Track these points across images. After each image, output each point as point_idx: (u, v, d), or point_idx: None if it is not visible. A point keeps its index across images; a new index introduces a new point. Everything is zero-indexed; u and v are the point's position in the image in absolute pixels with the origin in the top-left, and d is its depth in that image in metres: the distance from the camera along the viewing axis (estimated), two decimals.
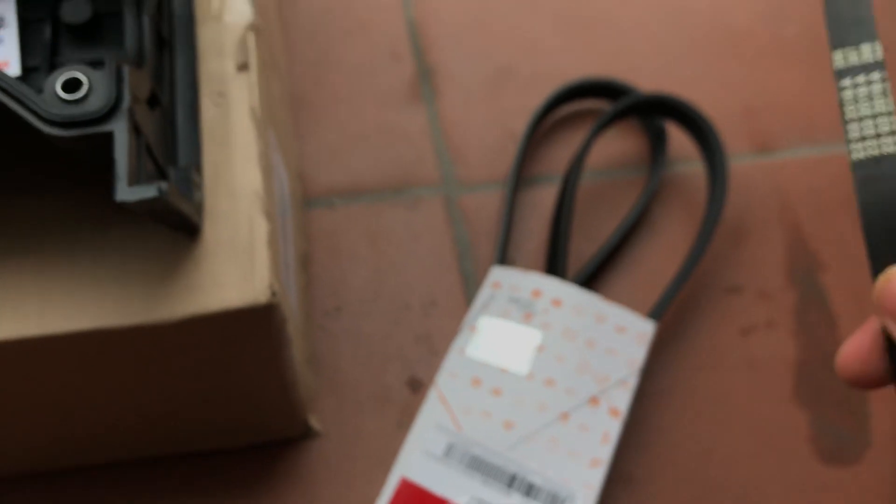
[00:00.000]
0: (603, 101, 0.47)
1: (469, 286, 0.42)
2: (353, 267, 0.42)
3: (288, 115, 0.43)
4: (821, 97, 0.49)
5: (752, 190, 0.46)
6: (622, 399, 0.37)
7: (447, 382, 0.37)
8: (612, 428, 0.36)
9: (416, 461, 0.35)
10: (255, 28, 0.33)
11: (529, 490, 0.35)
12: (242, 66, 0.32)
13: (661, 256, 0.43)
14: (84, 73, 0.24)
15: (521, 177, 0.45)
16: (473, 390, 0.37)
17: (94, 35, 0.30)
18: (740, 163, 0.46)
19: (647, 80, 0.48)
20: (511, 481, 0.35)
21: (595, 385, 0.37)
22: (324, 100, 0.46)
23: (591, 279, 0.41)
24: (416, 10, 0.50)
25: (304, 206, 0.43)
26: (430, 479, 0.35)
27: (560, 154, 0.46)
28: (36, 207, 0.29)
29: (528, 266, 0.42)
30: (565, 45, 0.50)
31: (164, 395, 0.32)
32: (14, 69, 0.29)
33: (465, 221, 0.44)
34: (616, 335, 0.38)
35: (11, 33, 0.29)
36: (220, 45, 0.32)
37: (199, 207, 0.28)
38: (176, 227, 0.28)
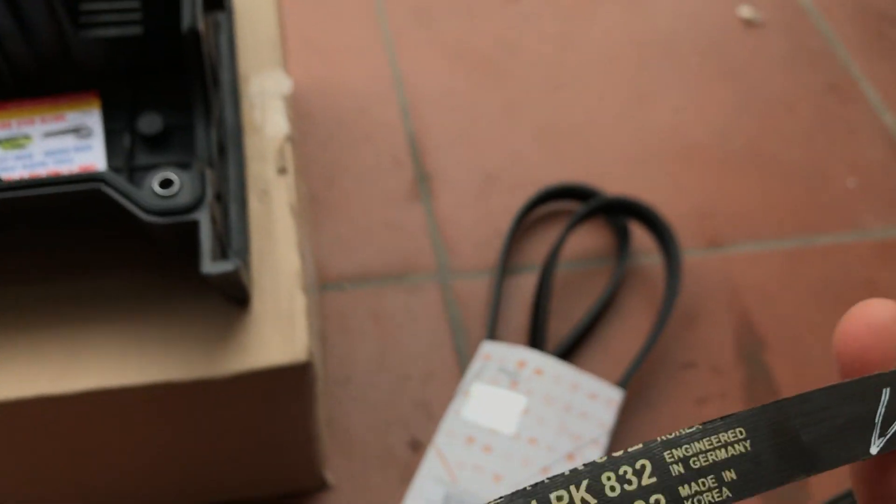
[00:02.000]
0: (575, 202, 0.54)
1: (462, 359, 0.48)
2: (360, 343, 0.48)
3: (308, 212, 0.50)
4: (763, 200, 0.57)
5: (705, 279, 0.53)
6: (594, 455, 0.43)
7: (444, 440, 0.43)
8: None
9: None
10: (290, 139, 0.40)
11: None
12: (282, 170, 0.39)
13: (626, 335, 0.50)
14: (176, 174, 0.30)
15: (507, 266, 0.52)
16: (467, 447, 0.42)
17: (165, 144, 0.37)
18: (694, 256, 0.54)
19: (613, 185, 0.55)
20: None
21: (571, 443, 0.43)
22: (336, 199, 0.54)
23: (568, 353, 0.48)
24: (414, 124, 0.58)
25: (319, 290, 0.50)
26: None
27: (539, 247, 0.53)
28: (117, 283, 0.35)
29: (514, 341, 0.48)
30: (542, 155, 0.58)
31: (205, 446, 0.38)
32: (101, 163, 0.35)
33: (458, 303, 0.50)
34: (589, 401, 0.44)
35: (99, 142, 0.36)
36: (262, 152, 0.39)
37: (249, 284, 0.35)
38: (231, 299, 0.34)
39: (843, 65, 0.65)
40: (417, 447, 0.45)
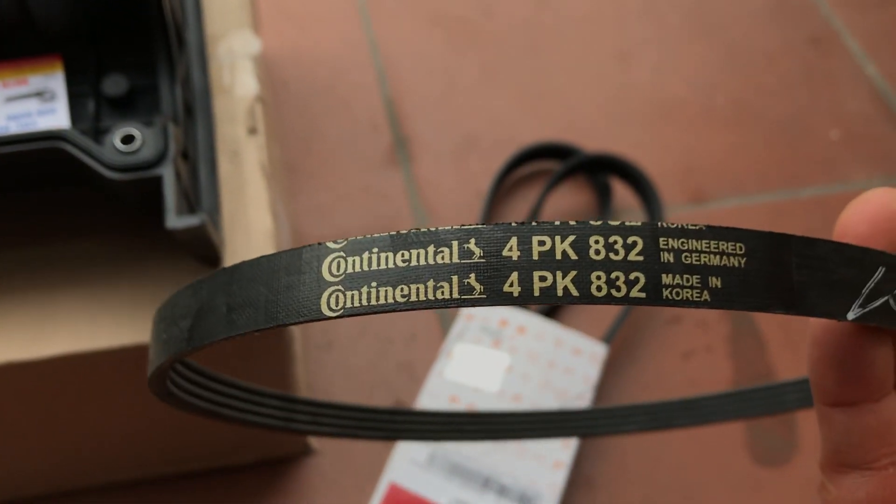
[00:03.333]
0: (556, 161, 0.54)
1: (444, 321, 0.48)
2: None
3: (284, 178, 0.49)
4: (746, 155, 0.56)
5: None
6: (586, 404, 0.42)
7: (428, 401, 0.42)
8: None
9: (402, 468, 0.40)
10: (261, 99, 0.39)
11: (502, 490, 0.40)
12: (252, 130, 0.38)
13: None
14: (138, 129, 0.30)
15: None
16: (451, 407, 0.42)
17: (130, 105, 0.36)
18: (677, 212, 0.53)
19: (594, 144, 0.55)
20: (486, 483, 0.40)
21: (556, 399, 0.42)
22: (313, 166, 0.53)
23: (551, 311, 0.47)
24: (391, 89, 0.57)
25: None
26: (415, 483, 0.40)
27: (520, 207, 0.52)
28: (86, 247, 0.34)
29: None
30: (522, 116, 0.57)
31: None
32: (64, 120, 0.35)
33: None
34: (573, 357, 0.44)
35: (62, 105, 0.36)
36: (232, 113, 0.39)
37: (221, 244, 0.34)
38: (203, 259, 0.34)
39: (824, 17, 0.64)
40: None
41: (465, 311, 0.45)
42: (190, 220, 0.28)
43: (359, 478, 0.43)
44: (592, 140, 0.55)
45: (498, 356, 0.43)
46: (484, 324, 0.45)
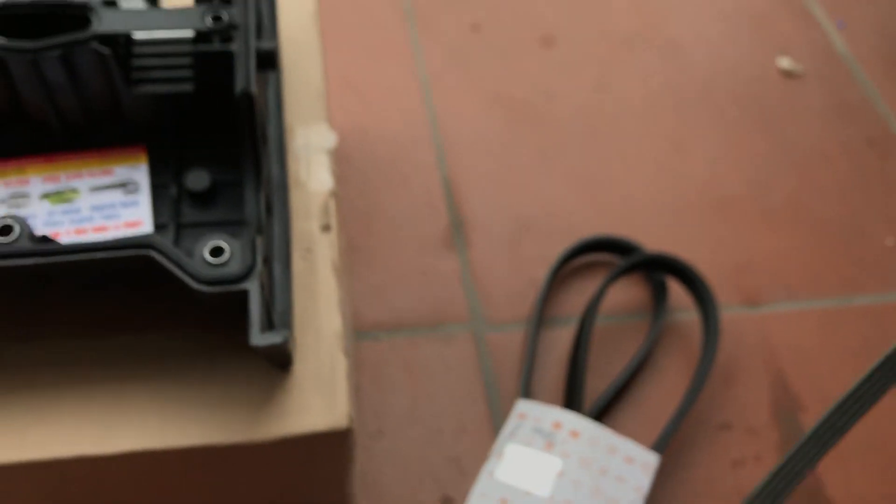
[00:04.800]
0: (611, 255, 0.54)
1: (494, 414, 0.48)
2: (393, 394, 0.48)
3: (347, 258, 0.50)
4: (800, 257, 0.56)
5: (741, 338, 0.52)
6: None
7: (479, 502, 0.42)
8: None
9: None
10: (335, 194, 0.40)
11: None
12: (325, 227, 0.39)
13: (662, 394, 0.49)
14: (227, 242, 0.30)
15: (542, 319, 0.51)
16: None
17: (212, 200, 0.37)
18: (730, 313, 0.53)
19: (649, 237, 0.55)
20: None
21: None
22: (372, 245, 0.53)
23: (603, 413, 0.47)
24: (449, 168, 0.58)
25: (355, 338, 0.50)
26: None
27: (574, 299, 0.53)
28: (159, 340, 0.35)
29: (548, 399, 0.48)
30: (578, 203, 0.57)
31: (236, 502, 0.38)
32: (147, 227, 0.35)
33: (491, 356, 0.50)
34: (625, 465, 0.44)
35: (145, 197, 0.36)
36: (306, 208, 0.39)
37: (293, 348, 0.35)
38: (274, 363, 0.34)
39: (882, 118, 0.64)
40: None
41: (519, 410, 0.45)
42: (273, 339, 0.29)
43: None
44: (647, 232, 0.55)
45: (550, 460, 0.43)
46: (537, 424, 0.45)
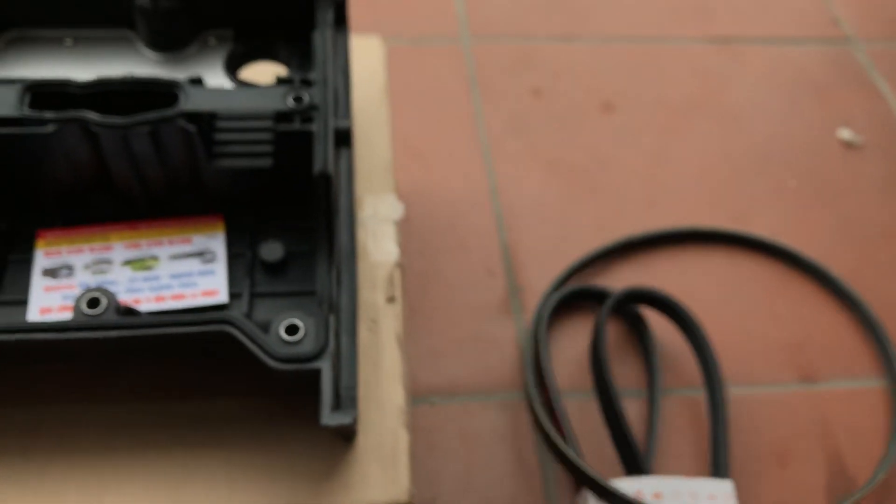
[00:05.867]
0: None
1: (547, 485, 0.48)
2: (446, 462, 0.49)
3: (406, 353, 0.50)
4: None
5: (797, 416, 0.52)
6: None
7: None
8: None
9: None
10: (400, 265, 0.41)
11: None
12: (391, 299, 0.40)
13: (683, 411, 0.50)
14: (301, 321, 0.31)
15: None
16: None
17: (284, 271, 0.38)
18: (785, 390, 0.53)
19: (707, 311, 0.55)
20: None
21: None
22: (429, 309, 0.54)
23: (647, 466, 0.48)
24: (508, 234, 0.59)
25: (410, 403, 0.50)
26: None
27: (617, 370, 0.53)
28: (228, 407, 0.36)
29: (600, 463, 0.48)
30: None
31: None
32: (223, 296, 0.37)
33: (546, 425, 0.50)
34: (712, 502, 0.45)
35: (222, 267, 0.38)
36: (372, 278, 0.40)
37: (357, 421, 0.35)
38: (340, 435, 0.35)
39: None
40: None
41: (587, 497, 0.46)
42: (342, 419, 0.30)
43: None
44: (705, 306, 0.55)
45: None
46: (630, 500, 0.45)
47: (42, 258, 0.37)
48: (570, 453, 0.46)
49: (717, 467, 0.47)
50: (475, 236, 0.58)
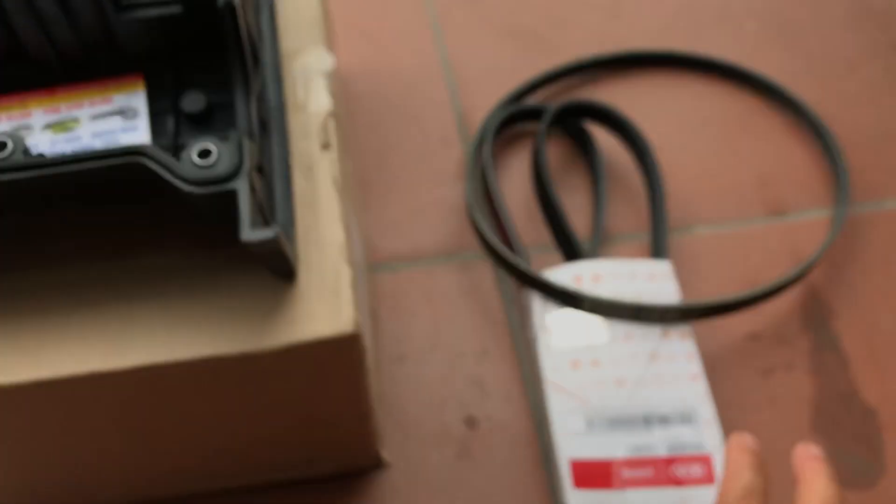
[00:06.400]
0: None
1: (515, 334, 0.47)
2: (413, 322, 0.48)
3: (357, 193, 0.50)
4: (827, 165, 0.54)
5: (768, 248, 0.51)
6: (685, 329, 0.45)
7: (554, 374, 0.43)
8: (690, 347, 0.44)
9: (571, 443, 0.41)
10: (334, 115, 0.40)
11: (664, 421, 0.42)
12: (325, 146, 0.39)
13: (627, 212, 0.51)
14: (214, 144, 0.30)
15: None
16: (577, 371, 0.43)
17: (208, 122, 0.37)
18: (756, 225, 0.52)
19: (671, 154, 0.54)
20: (647, 421, 0.42)
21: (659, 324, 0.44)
22: (386, 181, 0.53)
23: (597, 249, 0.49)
24: (462, 103, 0.57)
25: (371, 270, 0.50)
26: (589, 450, 0.41)
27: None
28: (163, 262, 0.35)
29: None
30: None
31: (259, 423, 0.38)
32: (145, 136, 0.36)
33: (509, 279, 0.49)
34: (650, 283, 0.45)
35: (144, 122, 0.37)
36: (306, 129, 0.39)
37: (295, 258, 0.35)
38: (277, 273, 0.34)
39: None
40: (473, 423, 0.45)
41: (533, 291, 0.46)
42: (264, 234, 0.29)
43: (431, 492, 0.43)
44: (669, 148, 0.54)
45: None
46: (563, 288, 0.45)
47: None
48: (506, 252, 0.47)
49: (657, 249, 0.48)
50: (429, 109, 0.57)
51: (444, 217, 0.52)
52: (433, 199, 0.53)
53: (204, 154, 0.30)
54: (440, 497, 0.42)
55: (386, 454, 0.43)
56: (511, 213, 0.51)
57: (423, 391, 0.46)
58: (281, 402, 0.37)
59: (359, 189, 0.52)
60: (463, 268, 0.50)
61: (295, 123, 0.39)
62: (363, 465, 0.43)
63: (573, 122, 0.54)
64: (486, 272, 0.50)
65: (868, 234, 0.52)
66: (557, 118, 0.53)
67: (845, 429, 0.45)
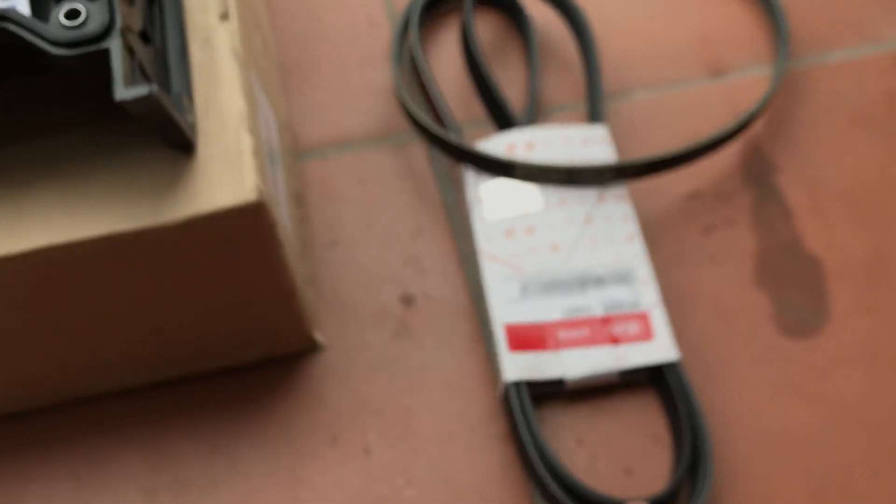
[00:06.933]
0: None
1: (450, 212, 0.46)
2: (346, 206, 0.47)
3: (274, 74, 0.48)
4: (766, 22, 0.53)
5: (708, 110, 0.50)
6: (620, 190, 0.44)
7: (489, 245, 0.42)
8: (626, 208, 0.43)
9: (505, 309, 0.41)
10: None
11: (600, 281, 0.41)
12: (224, 16, 0.37)
13: (563, 82, 0.50)
14: (83, 4, 0.29)
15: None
16: (512, 240, 0.42)
17: None
18: (696, 86, 0.50)
19: (603, 19, 0.52)
20: (582, 283, 0.41)
21: (594, 188, 0.44)
22: (310, 66, 0.51)
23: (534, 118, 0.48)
24: None
25: (299, 157, 0.48)
26: (524, 314, 0.41)
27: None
28: (56, 142, 0.34)
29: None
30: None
31: (173, 307, 0.37)
32: (24, 9, 0.34)
33: (443, 158, 0.48)
34: (585, 148, 0.44)
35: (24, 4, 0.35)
36: (204, 2, 0.37)
37: (192, 128, 0.33)
38: (173, 144, 0.33)
39: None
40: (410, 302, 0.44)
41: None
42: (138, 91, 0.27)
43: (369, 372, 0.42)
44: (600, 12, 0.52)
45: None
46: (494, 157, 0.44)
47: None
48: (435, 128, 0.45)
49: (593, 114, 0.47)
50: None
51: (373, 100, 0.50)
52: (361, 82, 0.51)
53: (72, 14, 0.29)
54: (378, 374, 0.42)
55: (320, 337, 0.42)
56: (442, 92, 0.50)
57: (358, 273, 0.45)
58: (192, 283, 0.36)
59: (278, 73, 0.50)
60: (395, 150, 0.49)
61: None
62: (296, 349, 0.42)
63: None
64: (419, 154, 0.49)
65: (811, 88, 0.50)
66: None
67: (789, 280, 0.44)
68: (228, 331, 0.39)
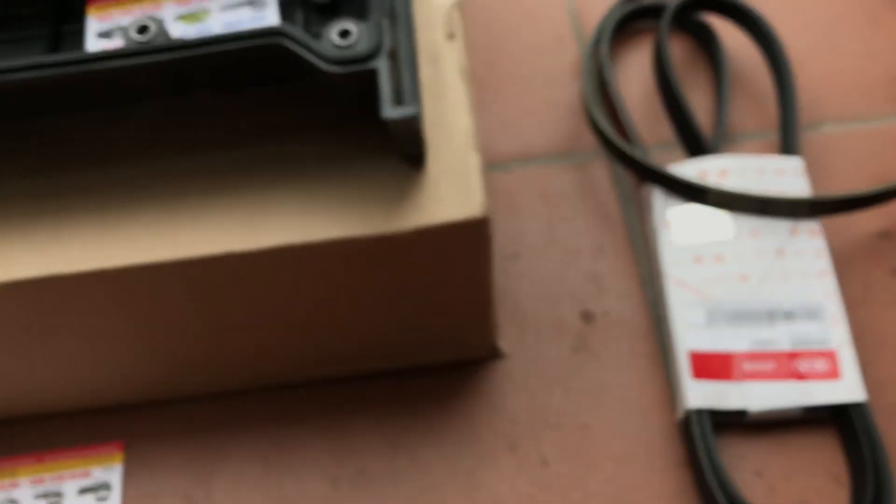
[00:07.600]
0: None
1: (633, 233, 0.47)
2: (528, 220, 0.48)
3: (473, 91, 0.49)
4: None
5: None
6: (813, 224, 0.44)
7: (675, 269, 0.43)
8: (819, 244, 0.43)
9: (690, 335, 0.42)
10: (458, 6, 0.40)
11: (789, 316, 0.41)
12: (451, 36, 0.38)
13: (751, 110, 0.50)
14: (354, 24, 0.30)
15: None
16: (700, 266, 0.43)
17: (335, 11, 0.37)
18: (888, 122, 0.50)
19: (797, 48, 0.52)
20: (771, 316, 0.42)
21: (787, 221, 0.44)
22: (498, 81, 0.53)
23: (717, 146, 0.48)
24: (577, 2, 0.56)
25: (485, 170, 0.49)
26: (709, 342, 0.41)
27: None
28: (298, 147, 0.36)
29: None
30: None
31: (382, 308, 0.39)
32: (274, 18, 0.36)
33: (626, 178, 0.49)
34: (780, 178, 0.44)
35: (273, 12, 0.37)
36: (431, 20, 0.39)
37: (424, 139, 0.35)
38: (408, 158, 0.34)
39: None
40: (589, 318, 0.45)
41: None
42: (405, 111, 0.29)
43: (547, 383, 0.43)
44: (793, 44, 0.52)
45: None
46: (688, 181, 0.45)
47: (94, 23, 0.37)
48: (626, 147, 0.46)
49: (787, 146, 0.47)
50: (542, 7, 0.56)
51: (558, 117, 0.52)
52: (547, 99, 0.52)
53: (344, 34, 0.31)
54: (556, 387, 0.43)
55: (503, 345, 0.44)
56: (629, 111, 0.51)
57: (539, 286, 0.46)
58: (407, 289, 0.38)
59: (474, 86, 0.52)
60: (577, 168, 0.50)
61: (419, 15, 0.39)
62: (479, 355, 0.44)
63: (694, 18, 0.52)
64: (601, 173, 0.49)
65: None
66: (678, 14, 0.51)
67: None
68: (424, 333, 0.41)
